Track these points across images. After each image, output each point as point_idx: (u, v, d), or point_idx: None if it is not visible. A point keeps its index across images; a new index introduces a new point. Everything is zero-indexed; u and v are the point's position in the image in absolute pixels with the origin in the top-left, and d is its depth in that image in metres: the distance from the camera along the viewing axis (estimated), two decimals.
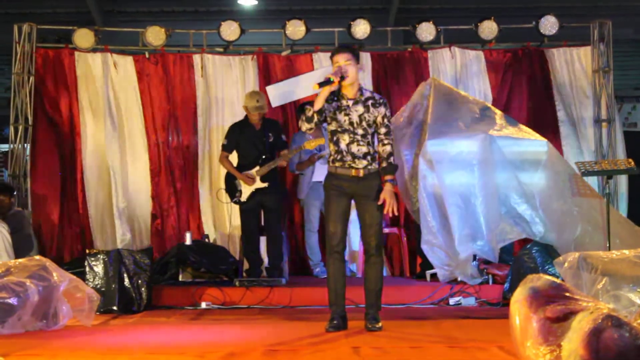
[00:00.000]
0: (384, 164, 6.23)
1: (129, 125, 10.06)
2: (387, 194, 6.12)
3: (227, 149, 8.86)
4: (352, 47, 6.45)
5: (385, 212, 6.15)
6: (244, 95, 9.85)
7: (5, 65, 13.67)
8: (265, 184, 8.61)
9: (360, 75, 9.63)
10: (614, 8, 13.21)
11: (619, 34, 11.72)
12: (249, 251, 8.77)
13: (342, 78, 6.07)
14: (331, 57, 6.29)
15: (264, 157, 8.66)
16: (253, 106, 8.70)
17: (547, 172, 8.28)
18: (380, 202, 6.11)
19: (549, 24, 9.99)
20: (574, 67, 10.24)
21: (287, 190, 9.74)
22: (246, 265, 8.93)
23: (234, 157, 8.89)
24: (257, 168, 8.63)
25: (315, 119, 6.07)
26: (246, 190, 8.66)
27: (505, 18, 10.42)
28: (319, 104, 6.04)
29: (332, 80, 5.99)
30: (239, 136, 8.80)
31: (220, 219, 9.94)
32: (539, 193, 8.19)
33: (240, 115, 9.91)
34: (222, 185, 9.00)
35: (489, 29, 10.00)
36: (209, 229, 9.94)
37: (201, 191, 10.03)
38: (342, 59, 6.16)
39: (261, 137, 8.72)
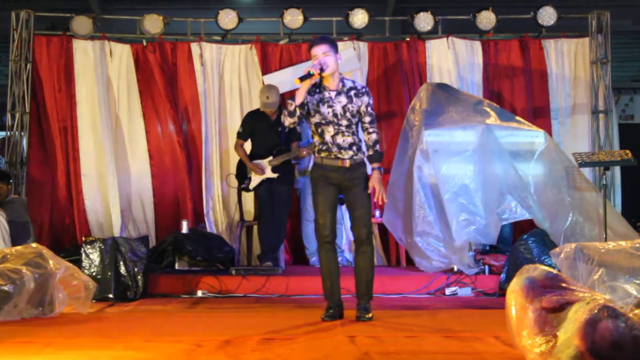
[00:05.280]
0: (370, 152, 6.23)
1: (127, 112, 10.02)
2: (375, 181, 6.13)
3: (242, 136, 8.86)
4: (329, 38, 6.42)
5: (375, 199, 6.15)
6: (246, 82, 9.90)
7: (2, 53, 13.64)
8: (276, 175, 8.61)
9: (357, 64, 9.83)
10: None
11: (618, 25, 11.72)
12: (263, 237, 8.70)
13: (322, 70, 6.05)
14: (309, 50, 6.27)
15: (278, 148, 8.66)
16: (262, 102, 8.74)
17: (543, 161, 8.28)
18: (369, 191, 6.12)
19: (547, 15, 9.97)
20: (572, 58, 10.23)
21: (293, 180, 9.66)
22: (258, 251, 8.95)
23: (247, 145, 8.92)
24: (270, 158, 8.63)
25: (298, 113, 6.03)
26: (256, 179, 8.66)
27: (504, 8, 10.40)
28: (300, 98, 6.01)
29: (312, 73, 5.97)
30: (254, 125, 8.80)
31: (218, 207, 9.91)
32: (534, 181, 8.20)
33: (239, 103, 9.96)
34: (231, 170, 9.02)
35: (487, 19, 9.99)
36: (206, 217, 9.92)
37: (202, 178, 9.99)
38: (320, 51, 6.12)
39: (276, 128, 8.71)
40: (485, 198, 7.99)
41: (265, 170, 8.63)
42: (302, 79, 5.94)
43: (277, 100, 8.76)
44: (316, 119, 6.19)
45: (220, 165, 9.92)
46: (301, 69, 9.80)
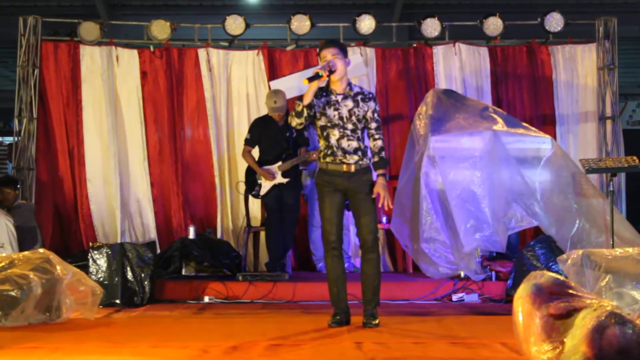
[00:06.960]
0: (376, 159, 6.23)
1: (133, 118, 10.02)
2: (380, 187, 6.11)
3: (249, 143, 8.86)
4: (339, 42, 6.44)
5: (379, 205, 6.14)
6: (253, 88, 9.91)
7: (10, 58, 13.68)
8: (286, 180, 8.62)
9: (364, 70, 9.84)
10: (619, 5, 13.21)
11: (624, 31, 11.70)
12: (271, 244, 8.71)
13: (331, 72, 6.07)
14: (318, 53, 6.29)
15: (286, 153, 8.68)
16: (270, 107, 8.75)
17: (550, 167, 8.27)
18: (374, 196, 6.12)
19: (554, 21, 9.98)
20: (579, 64, 10.23)
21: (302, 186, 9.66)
22: (265, 256, 8.96)
23: (255, 152, 8.93)
24: (280, 163, 8.65)
25: (305, 113, 6.04)
26: (266, 185, 8.67)
27: (511, 14, 10.41)
28: (308, 98, 6.03)
29: (320, 74, 5.98)
30: (262, 131, 8.81)
31: (225, 212, 9.91)
32: (541, 187, 8.19)
33: (246, 109, 9.97)
34: (239, 176, 9.04)
35: (494, 25, 9.99)
36: (213, 223, 9.92)
37: (207, 184, 10.00)
38: (330, 53, 6.15)
39: (284, 133, 8.73)
40: (492, 205, 7.97)
41: (276, 175, 8.64)
42: (311, 79, 5.96)
43: (285, 105, 8.77)
44: (322, 121, 6.20)
45: (229, 171, 9.93)
46: (308, 74, 9.84)
